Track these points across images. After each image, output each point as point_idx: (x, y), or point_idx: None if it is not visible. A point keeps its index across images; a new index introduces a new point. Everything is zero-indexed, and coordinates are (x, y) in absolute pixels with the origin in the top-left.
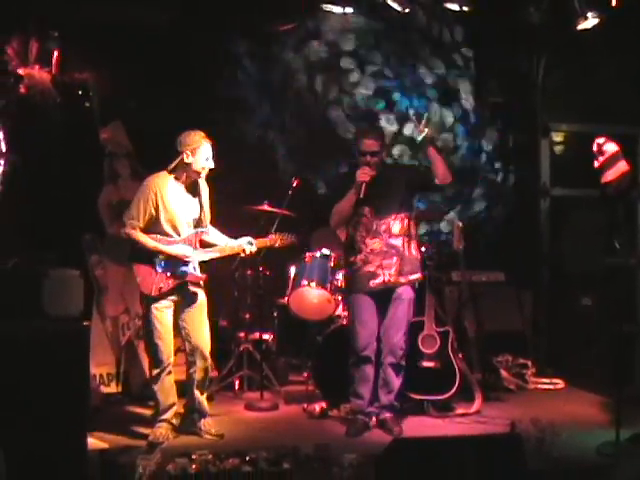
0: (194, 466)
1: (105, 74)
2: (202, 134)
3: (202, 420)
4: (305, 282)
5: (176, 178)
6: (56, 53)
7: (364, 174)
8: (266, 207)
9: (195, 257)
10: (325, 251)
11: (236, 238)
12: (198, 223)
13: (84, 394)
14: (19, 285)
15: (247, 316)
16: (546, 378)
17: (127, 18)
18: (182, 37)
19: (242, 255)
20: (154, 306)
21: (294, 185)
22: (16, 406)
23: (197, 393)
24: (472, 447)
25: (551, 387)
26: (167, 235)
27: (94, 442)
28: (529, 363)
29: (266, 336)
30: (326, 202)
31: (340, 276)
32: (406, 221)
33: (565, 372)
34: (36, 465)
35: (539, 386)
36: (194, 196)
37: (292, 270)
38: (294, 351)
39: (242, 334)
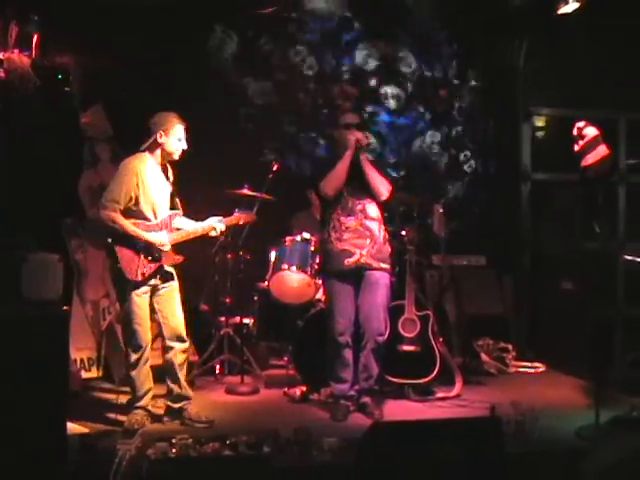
0: (174, 450)
1: (85, 58)
2: (175, 115)
3: (189, 407)
4: (285, 266)
5: (153, 159)
6: (36, 37)
7: (361, 137)
8: (246, 191)
9: (172, 239)
10: (305, 235)
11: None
12: (171, 206)
13: (64, 379)
14: None
15: (227, 300)
16: (526, 362)
17: (108, 1)
18: (163, 20)
19: (213, 234)
20: (135, 292)
21: (274, 169)
22: None
23: (180, 378)
24: (452, 430)
25: (531, 371)
26: (146, 219)
27: (74, 427)
28: (510, 347)
29: (247, 320)
30: (306, 186)
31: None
32: (382, 208)
33: (545, 356)
34: (15, 450)
35: (520, 370)
36: (167, 179)
37: (272, 254)
38: (275, 335)
39: (223, 318)
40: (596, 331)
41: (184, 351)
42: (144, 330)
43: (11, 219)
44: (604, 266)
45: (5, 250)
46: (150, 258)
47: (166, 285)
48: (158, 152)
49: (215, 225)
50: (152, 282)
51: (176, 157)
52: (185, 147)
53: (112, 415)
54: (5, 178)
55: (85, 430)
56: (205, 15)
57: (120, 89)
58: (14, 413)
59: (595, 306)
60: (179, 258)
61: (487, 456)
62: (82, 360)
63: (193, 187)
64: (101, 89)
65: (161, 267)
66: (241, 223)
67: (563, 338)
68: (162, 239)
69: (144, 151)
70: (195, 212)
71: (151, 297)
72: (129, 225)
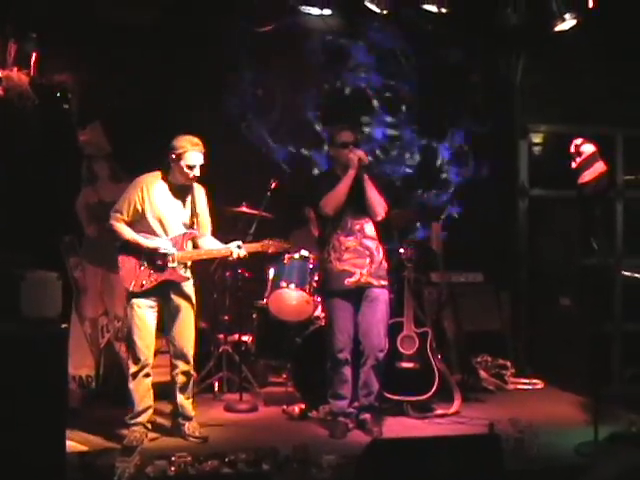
0: (173, 468)
1: (83, 76)
2: (193, 141)
3: (187, 424)
4: (284, 284)
5: (164, 178)
6: (34, 55)
7: (363, 156)
8: (244, 209)
9: (180, 256)
10: (304, 252)
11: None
12: (189, 227)
13: (63, 396)
14: None
15: (226, 318)
16: (525, 378)
17: (106, 19)
18: (162, 38)
19: (230, 259)
20: (135, 303)
21: (272, 186)
22: None
23: (180, 397)
24: (451, 448)
25: (530, 387)
26: (154, 233)
27: (73, 444)
28: (508, 364)
29: (245, 338)
30: (303, 203)
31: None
32: (377, 226)
33: (544, 372)
34: (15, 468)
35: (518, 386)
36: (185, 200)
37: (271, 272)
38: (273, 353)
39: (221, 336)
40: (594, 347)
41: (185, 373)
42: (144, 344)
43: (9, 237)
44: (602, 282)
45: (4, 268)
46: (152, 270)
47: (176, 304)
48: (171, 172)
49: (233, 250)
50: (155, 297)
51: (184, 181)
52: (196, 174)
53: (111, 433)
54: (3, 196)
55: (84, 448)
56: (204, 32)
57: (118, 107)
58: (13, 431)
59: (593, 322)
60: (185, 277)
61: (486, 473)
62: (80, 377)
63: None
64: (99, 107)
65: (166, 283)
66: (270, 251)
67: (561, 354)
68: (163, 245)
69: (159, 169)
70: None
71: (163, 315)
72: (128, 232)
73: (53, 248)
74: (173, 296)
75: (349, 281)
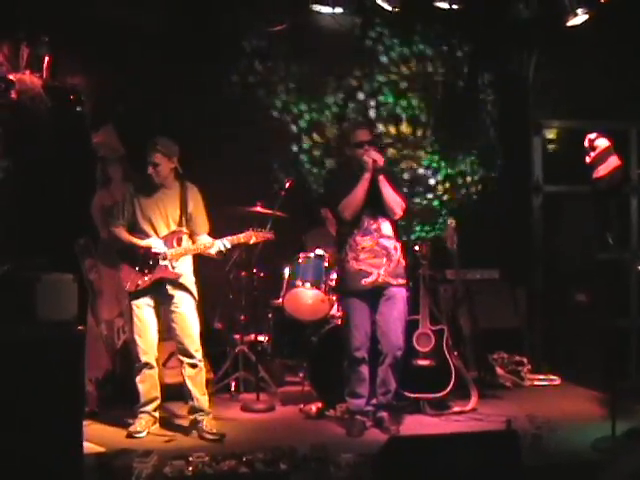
0: (190, 468)
1: (96, 78)
2: (153, 142)
3: (204, 420)
4: (299, 283)
5: (150, 178)
6: (47, 58)
7: (378, 158)
8: (259, 208)
9: (170, 253)
10: (319, 251)
11: None
12: (179, 226)
13: (80, 398)
14: (12, 291)
15: (242, 318)
16: (542, 375)
17: (118, 22)
18: (173, 39)
19: (212, 251)
20: (134, 303)
21: (287, 186)
22: (11, 412)
23: (194, 391)
24: (468, 445)
25: (547, 383)
26: (146, 233)
27: (90, 446)
28: (524, 360)
29: (261, 337)
30: (319, 202)
31: (334, 276)
32: (394, 224)
33: (560, 368)
34: (32, 470)
35: (535, 383)
36: (174, 198)
37: (286, 271)
38: (289, 352)
39: (237, 336)
40: (611, 342)
41: (192, 365)
42: (144, 341)
43: (24, 240)
44: (618, 277)
45: (19, 271)
46: (146, 270)
47: (172, 301)
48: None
49: (216, 242)
50: (152, 295)
51: (155, 181)
52: (149, 172)
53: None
54: (18, 199)
55: (101, 449)
56: (216, 36)
57: (131, 109)
58: (30, 433)
59: (609, 317)
60: (176, 274)
61: (504, 470)
62: (97, 379)
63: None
64: (112, 109)
65: (160, 281)
66: (252, 242)
67: (577, 350)
68: (155, 244)
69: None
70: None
71: (165, 314)
72: (125, 235)
73: (68, 250)
74: (171, 293)
75: (366, 281)
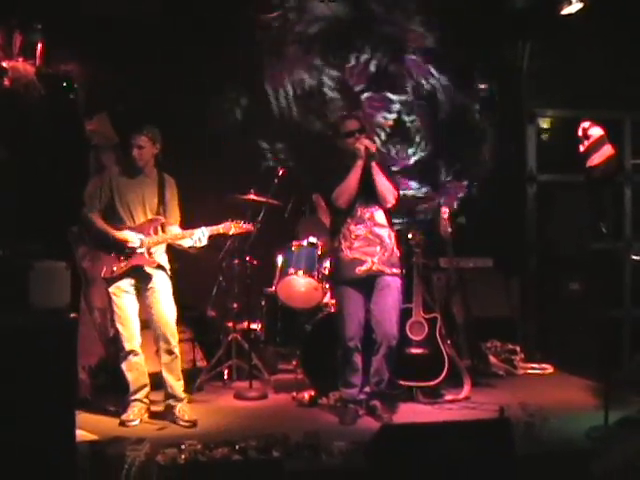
0: (183, 456)
1: (90, 66)
2: (140, 126)
3: (177, 406)
4: (292, 271)
5: (132, 163)
6: (40, 45)
7: (370, 145)
8: (252, 196)
9: (148, 242)
10: (312, 239)
11: None
12: (156, 214)
13: (72, 386)
14: (5, 277)
15: (235, 306)
16: (535, 363)
17: (112, 10)
18: (166, 28)
19: (188, 242)
20: (111, 290)
21: (280, 174)
22: (3, 399)
23: (168, 377)
24: (461, 433)
25: (540, 372)
26: (123, 221)
27: (83, 434)
28: (517, 349)
29: (254, 325)
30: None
31: (327, 264)
32: (388, 213)
33: (554, 357)
34: (25, 458)
35: (528, 371)
36: (152, 187)
37: (279, 259)
38: (283, 340)
39: (230, 324)
40: (604, 331)
41: (167, 351)
42: (126, 329)
43: (17, 227)
44: (611, 266)
45: (12, 258)
46: (122, 257)
47: (149, 287)
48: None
49: (195, 231)
50: (129, 282)
51: (137, 164)
52: (134, 154)
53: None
54: (11, 186)
55: (94, 437)
56: (208, 24)
57: (124, 96)
58: (23, 421)
59: (603, 306)
60: (152, 261)
61: (497, 457)
62: (90, 367)
63: (200, 194)
64: (106, 96)
65: (137, 268)
66: (232, 233)
67: (571, 339)
68: (130, 237)
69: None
70: (203, 218)
71: (141, 300)
72: (98, 221)
73: (61, 238)
74: (146, 279)
75: (360, 269)
